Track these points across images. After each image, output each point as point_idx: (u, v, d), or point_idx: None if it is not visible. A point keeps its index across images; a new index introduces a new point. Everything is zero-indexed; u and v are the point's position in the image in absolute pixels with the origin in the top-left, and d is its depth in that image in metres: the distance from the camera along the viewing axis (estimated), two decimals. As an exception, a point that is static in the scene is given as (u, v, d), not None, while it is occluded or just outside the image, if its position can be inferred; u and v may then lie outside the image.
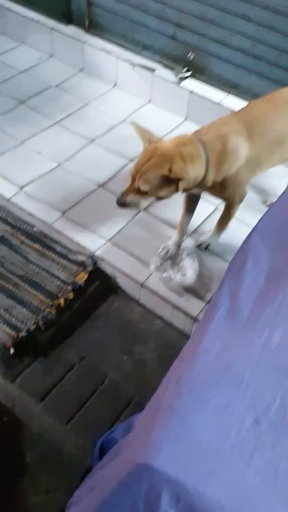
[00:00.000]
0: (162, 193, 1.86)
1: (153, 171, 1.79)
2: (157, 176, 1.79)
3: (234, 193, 2.07)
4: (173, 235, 2.34)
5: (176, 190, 1.85)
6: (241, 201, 2.14)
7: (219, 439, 0.93)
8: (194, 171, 1.85)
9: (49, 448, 1.80)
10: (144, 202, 1.92)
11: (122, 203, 1.90)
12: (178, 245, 2.30)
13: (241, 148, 1.94)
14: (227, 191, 2.03)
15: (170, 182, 1.81)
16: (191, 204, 2.22)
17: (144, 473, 0.90)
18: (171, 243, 2.30)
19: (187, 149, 1.84)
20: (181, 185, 1.82)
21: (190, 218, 2.28)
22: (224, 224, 2.23)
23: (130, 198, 1.88)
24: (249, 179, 2.11)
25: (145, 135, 1.89)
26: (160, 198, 1.90)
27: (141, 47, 3.11)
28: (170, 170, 1.77)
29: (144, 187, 1.83)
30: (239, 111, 2.11)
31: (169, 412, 0.96)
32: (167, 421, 0.95)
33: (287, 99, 2.07)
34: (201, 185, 1.95)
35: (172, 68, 3.04)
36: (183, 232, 2.30)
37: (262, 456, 0.91)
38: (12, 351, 2.00)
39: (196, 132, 1.97)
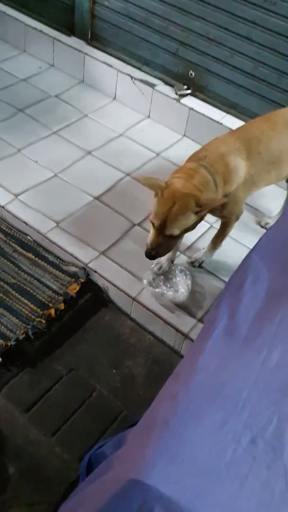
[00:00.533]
0: (191, 228, 1.88)
1: (183, 214, 1.80)
2: (188, 216, 1.80)
3: (232, 211, 2.08)
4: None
5: (201, 219, 1.88)
6: (237, 219, 2.15)
7: (214, 458, 0.91)
8: (208, 195, 1.87)
9: (33, 461, 1.77)
10: (173, 245, 1.96)
11: (153, 256, 1.91)
12: (172, 260, 2.29)
13: (241, 167, 1.95)
14: (226, 209, 2.04)
15: (198, 213, 1.83)
16: None
17: (137, 490, 0.88)
18: (164, 258, 2.28)
19: (198, 179, 1.86)
20: (205, 212, 1.85)
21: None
22: (219, 241, 2.24)
23: (161, 248, 1.89)
24: (246, 197, 2.13)
25: (154, 183, 1.87)
26: (192, 228, 1.91)
27: (143, 62, 3.13)
28: (198, 205, 1.78)
29: (177, 232, 1.84)
30: (237, 129, 2.13)
31: (164, 429, 0.95)
32: (162, 438, 0.93)
33: (285, 119, 2.09)
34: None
35: (172, 85, 3.06)
36: (176, 248, 2.30)
37: (257, 477, 0.90)
38: (-1, 360, 1.97)
39: (194, 156, 1.98)
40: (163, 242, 1.88)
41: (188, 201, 1.79)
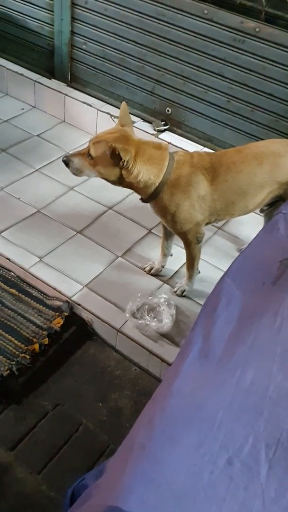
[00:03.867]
0: (104, 169, 1.95)
1: (106, 142, 1.89)
2: (107, 147, 1.88)
3: (186, 229, 2.09)
4: (150, 280, 2.39)
5: (119, 175, 1.94)
6: (197, 241, 2.16)
7: (191, 480, 0.91)
8: (144, 173, 1.95)
9: (19, 500, 1.73)
10: (87, 171, 2.00)
11: (66, 161, 2.01)
12: (162, 265, 2.41)
13: (201, 186, 2.01)
14: (178, 224, 2.08)
15: (116, 163, 1.91)
16: (168, 231, 2.28)
17: (115, 517, 0.87)
18: (156, 261, 2.42)
19: (152, 151, 1.96)
20: (125, 173, 1.92)
21: (171, 242, 2.37)
22: (190, 267, 2.26)
23: (77, 160, 1.99)
24: (204, 222, 2.13)
25: (126, 118, 2.02)
26: (103, 176, 1.98)
27: (121, 101, 3.23)
28: (120, 149, 1.85)
29: (92, 151, 1.93)
30: (213, 153, 2.20)
31: (140, 453, 0.95)
32: (139, 462, 0.93)
33: (256, 153, 2.10)
34: (152, 198, 2.03)
35: (150, 122, 3.16)
36: (165, 255, 2.40)
37: (235, 498, 0.89)
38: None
39: (174, 151, 2.07)
40: (81, 159, 1.98)
41: (121, 140, 1.90)
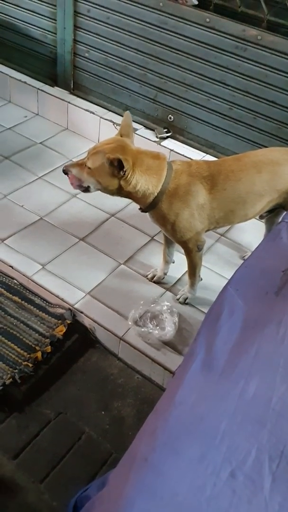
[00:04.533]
0: (103, 179, 1.95)
1: (104, 153, 1.90)
2: (105, 158, 1.88)
3: (186, 238, 2.09)
4: (153, 288, 2.38)
5: (118, 186, 1.94)
6: (198, 249, 2.15)
7: (194, 493, 0.90)
8: (143, 183, 1.95)
9: (21, 510, 1.72)
10: (86, 180, 2.00)
11: (65, 170, 2.02)
12: (165, 272, 2.41)
13: (200, 195, 2.01)
14: (178, 233, 2.08)
15: (114, 174, 1.91)
16: (169, 238, 2.27)
17: (117, 531, 0.87)
18: (158, 269, 2.42)
19: (150, 161, 1.96)
20: (123, 183, 1.92)
21: (172, 249, 2.38)
22: (192, 274, 2.26)
23: (75, 170, 1.99)
24: (204, 230, 2.13)
25: (126, 129, 2.01)
26: (101, 186, 1.98)
27: (123, 108, 3.25)
28: (119, 159, 1.85)
29: (89, 164, 1.94)
30: (212, 161, 2.19)
31: (143, 465, 0.94)
32: (141, 475, 0.93)
33: (254, 161, 2.09)
34: (151, 208, 2.03)
35: (153, 129, 3.17)
36: (167, 262, 2.40)
37: None
38: (-15, 406, 1.95)
39: (172, 160, 2.08)
40: (79, 170, 1.99)
41: (118, 150, 1.90)
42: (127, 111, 2.07)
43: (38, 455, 1.88)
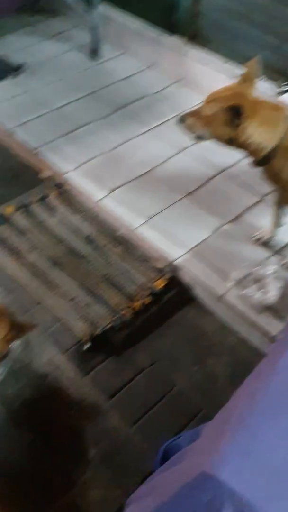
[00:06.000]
0: (217, 129, 1.89)
1: (223, 100, 1.85)
2: (224, 106, 1.83)
3: None
4: (258, 250, 2.32)
5: (231, 135, 1.86)
6: None
7: (289, 462, 0.88)
8: (257, 135, 1.85)
9: (113, 447, 1.82)
10: (201, 128, 1.95)
11: (181, 118, 2.00)
12: (273, 235, 2.32)
13: None
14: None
15: (228, 123, 1.84)
16: (280, 199, 2.18)
17: (208, 483, 0.87)
18: (266, 231, 2.33)
19: (267, 112, 1.87)
20: (237, 133, 1.84)
21: (284, 211, 2.26)
22: None
23: (191, 119, 1.97)
24: None
25: (249, 76, 1.94)
26: (216, 135, 1.92)
27: (242, 59, 3.08)
28: (238, 106, 1.79)
29: (205, 111, 1.90)
30: None
31: (240, 426, 0.93)
32: (237, 434, 0.92)
33: None
34: (264, 163, 1.94)
35: (273, 81, 2.98)
36: (277, 224, 2.30)
37: None
38: (87, 345, 2.05)
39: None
40: (195, 119, 1.95)
41: (238, 98, 1.84)
42: (255, 58, 1.96)
43: (131, 399, 1.96)
